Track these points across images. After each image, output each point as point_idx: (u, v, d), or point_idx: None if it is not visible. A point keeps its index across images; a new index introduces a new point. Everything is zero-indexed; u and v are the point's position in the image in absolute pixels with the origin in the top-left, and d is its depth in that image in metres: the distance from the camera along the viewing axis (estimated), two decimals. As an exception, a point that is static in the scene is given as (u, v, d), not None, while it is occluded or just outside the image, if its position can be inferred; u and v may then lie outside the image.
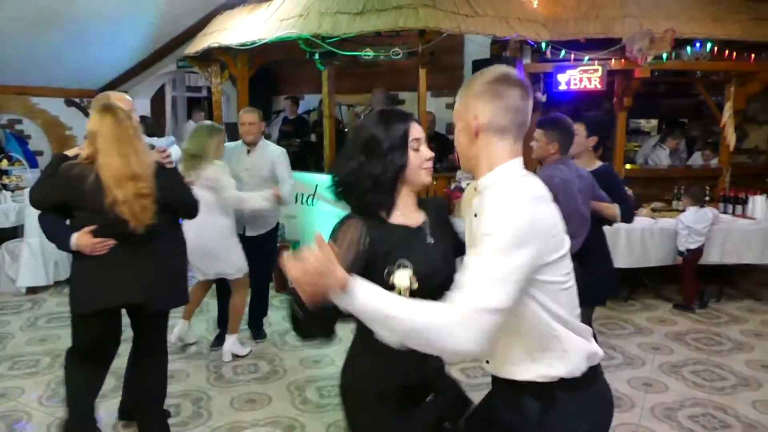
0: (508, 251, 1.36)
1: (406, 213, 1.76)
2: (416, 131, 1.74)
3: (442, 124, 7.40)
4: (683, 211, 5.54)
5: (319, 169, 6.45)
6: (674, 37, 5.53)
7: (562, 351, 1.52)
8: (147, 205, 2.68)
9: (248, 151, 4.42)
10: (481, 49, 6.40)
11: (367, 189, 1.69)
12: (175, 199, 2.91)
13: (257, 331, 4.73)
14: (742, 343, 4.69)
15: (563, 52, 5.74)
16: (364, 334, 1.58)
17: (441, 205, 2.02)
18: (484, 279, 1.36)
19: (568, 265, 1.52)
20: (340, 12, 5.27)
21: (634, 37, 5.53)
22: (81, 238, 2.72)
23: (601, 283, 3.53)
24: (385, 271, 1.62)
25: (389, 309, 1.34)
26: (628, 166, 6.59)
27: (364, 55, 5.26)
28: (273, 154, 4.44)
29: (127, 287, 2.78)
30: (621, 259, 5.38)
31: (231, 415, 3.53)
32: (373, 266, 1.61)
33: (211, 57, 6.67)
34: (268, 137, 8.78)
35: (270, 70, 8.20)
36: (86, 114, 8.81)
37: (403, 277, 1.62)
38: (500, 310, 1.35)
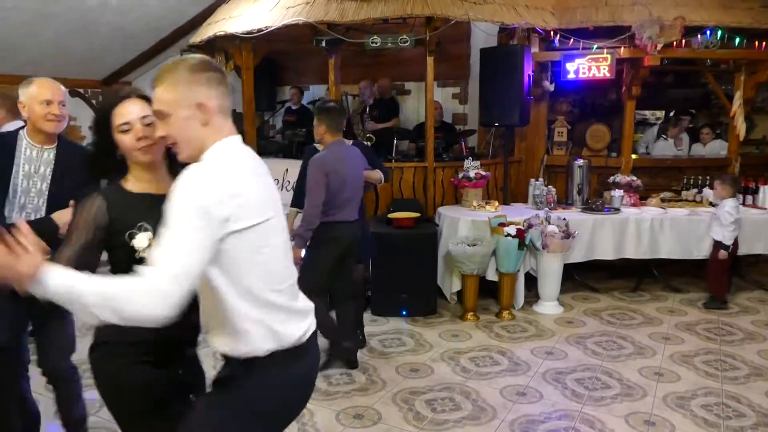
0: (186, 222, 1.44)
1: (152, 182, 1.87)
2: (124, 114, 1.84)
3: (448, 114, 7.35)
4: (714, 203, 5.41)
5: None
6: (684, 24, 5.47)
7: (241, 330, 1.60)
8: None
9: None
10: (487, 38, 6.33)
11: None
12: None
13: None
14: (753, 334, 4.64)
15: (571, 40, 5.69)
16: None
17: None
18: (166, 248, 1.44)
19: (262, 238, 1.59)
20: (346, -1, 5.22)
21: (644, 25, 5.47)
22: None
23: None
24: (127, 234, 1.78)
25: (80, 285, 1.40)
26: (634, 156, 6.55)
27: (372, 43, 5.20)
28: None
29: None
30: (630, 250, 5.34)
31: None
32: (120, 232, 1.78)
33: (215, 46, 6.62)
34: (272, 128, 8.80)
35: (274, 61, 8.13)
36: (90, 105, 8.78)
37: (142, 238, 1.78)
38: (181, 274, 1.41)
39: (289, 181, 6.00)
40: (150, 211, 1.74)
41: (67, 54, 7.55)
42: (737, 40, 5.76)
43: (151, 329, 1.56)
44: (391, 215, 5.03)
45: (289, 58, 8.12)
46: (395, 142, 6.22)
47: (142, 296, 1.38)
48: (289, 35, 6.05)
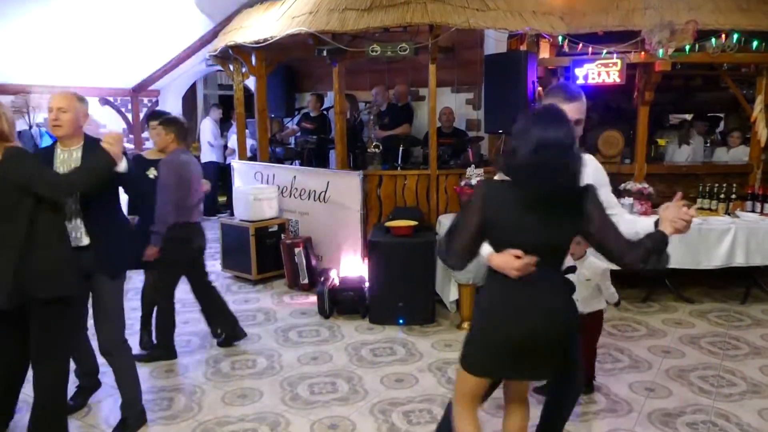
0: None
1: None
2: None
3: (461, 120, 7.31)
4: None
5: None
6: (696, 28, 5.31)
7: None
8: None
9: None
10: (499, 44, 6.28)
11: None
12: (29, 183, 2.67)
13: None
14: (760, 348, 4.47)
15: (580, 45, 5.59)
16: None
17: None
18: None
19: None
20: (348, 8, 5.28)
21: (654, 30, 5.33)
22: None
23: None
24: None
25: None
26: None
27: (372, 51, 5.23)
28: None
29: None
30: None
31: (220, 410, 3.57)
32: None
33: (231, 55, 6.77)
34: (293, 133, 8.88)
35: (292, 68, 8.25)
36: (120, 113, 9.07)
37: None
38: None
39: (296, 189, 6.09)
40: None
41: (97, 64, 7.83)
42: (755, 43, 5.56)
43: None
44: (388, 223, 5.05)
45: (307, 65, 8.22)
46: (401, 149, 6.22)
47: None
48: (303, 43, 6.14)
